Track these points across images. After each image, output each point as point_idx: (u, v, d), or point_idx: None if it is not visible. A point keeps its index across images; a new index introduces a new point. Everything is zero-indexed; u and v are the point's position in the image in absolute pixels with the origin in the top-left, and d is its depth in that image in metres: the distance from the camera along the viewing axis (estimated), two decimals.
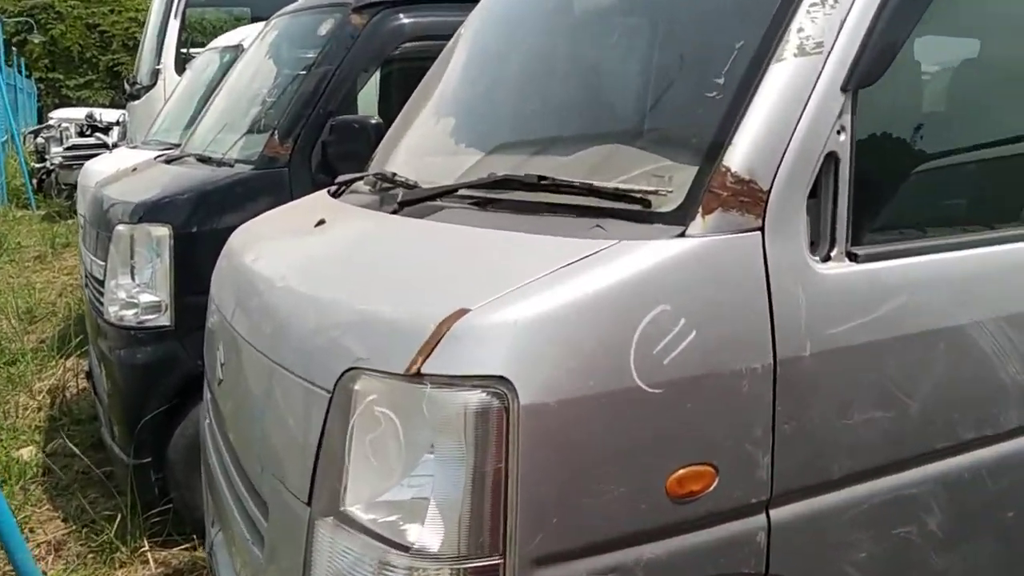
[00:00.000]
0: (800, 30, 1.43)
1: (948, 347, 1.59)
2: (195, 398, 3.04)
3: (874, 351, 1.50)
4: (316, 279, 1.66)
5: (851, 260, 1.49)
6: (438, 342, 1.25)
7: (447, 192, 1.81)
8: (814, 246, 1.47)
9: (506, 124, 2.20)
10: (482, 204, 1.77)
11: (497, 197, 1.74)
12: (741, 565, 1.42)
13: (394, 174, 2.12)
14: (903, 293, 1.52)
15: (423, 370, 1.24)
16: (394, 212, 1.90)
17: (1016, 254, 1.67)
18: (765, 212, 1.39)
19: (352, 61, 3.37)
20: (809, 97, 1.42)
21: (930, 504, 1.63)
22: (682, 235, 1.37)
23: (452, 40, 2.61)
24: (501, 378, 1.22)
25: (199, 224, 3.10)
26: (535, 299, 1.27)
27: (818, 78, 1.43)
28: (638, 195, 1.45)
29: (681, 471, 1.33)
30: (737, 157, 1.38)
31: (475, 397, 1.21)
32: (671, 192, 1.42)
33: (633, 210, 1.46)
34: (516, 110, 2.18)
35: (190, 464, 3.03)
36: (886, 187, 1.59)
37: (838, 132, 1.46)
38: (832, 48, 1.44)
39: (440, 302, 1.31)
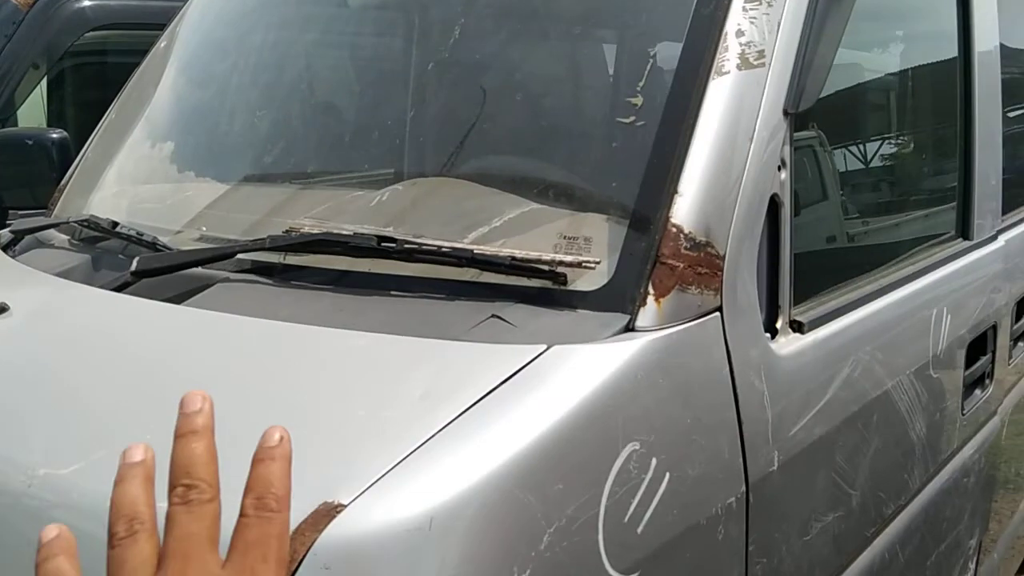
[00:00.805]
0: (740, 33, 1.06)
1: (879, 417, 1.33)
2: None
3: (828, 443, 1.19)
4: (10, 428, 0.98)
5: (795, 330, 1.16)
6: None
7: (217, 257, 1.21)
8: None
9: (273, 144, 1.62)
10: (274, 273, 1.20)
11: (299, 264, 1.18)
12: None
13: (114, 223, 1.44)
14: (847, 363, 1.23)
15: None
16: (122, 287, 1.25)
17: (923, 293, 1.47)
18: (722, 284, 1.00)
19: (14, 54, 2.51)
20: (756, 123, 1.06)
21: None
22: (630, 328, 0.93)
23: (172, 26, 1.93)
24: None
25: None
26: (449, 470, 0.76)
27: (763, 99, 1.07)
28: (547, 267, 0.99)
29: None
30: (687, 211, 0.98)
31: None
32: (598, 263, 0.98)
33: (539, 289, 1.00)
34: (290, 124, 1.60)
35: None
36: (817, 230, 1.29)
37: (779, 168, 1.11)
38: (773, 58, 1.09)
39: None
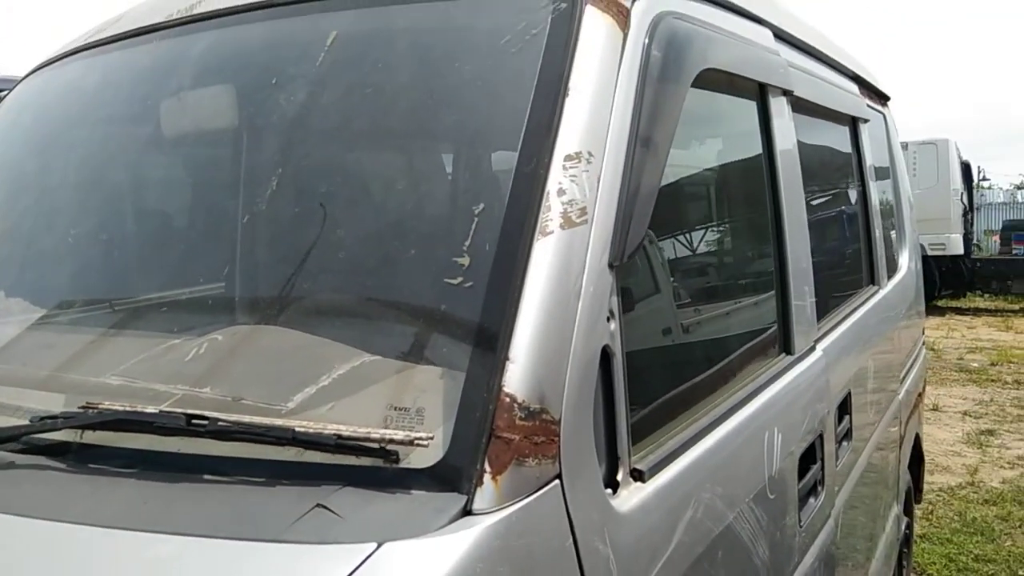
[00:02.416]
0: (561, 192, 1.06)
1: (724, 553, 1.33)
2: None
3: None
4: None
5: (636, 479, 1.14)
6: None
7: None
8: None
9: (80, 278, 1.49)
10: (70, 453, 1.07)
11: (99, 443, 1.06)
12: None
13: None
14: (689, 506, 1.22)
15: None
16: None
17: (755, 417, 1.50)
18: (560, 450, 0.97)
19: None
20: (583, 280, 1.05)
21: None
22: (468, 511, 0.88)
23: None
24: None
25: None
26: None
27: (587, 255, 1.07)
28: (377, 444, 0.93)
29: None
30: (519, 377, 0.95)
31: None
32: (431, 439, 0.93)
33: (369, 467, 0.93)
34: (98, 261, 1.48)
35: None
36: (647, 372, 1.29)
37: (608, 320, 1.11)
38: (595, 214, 1.10)
39: None
